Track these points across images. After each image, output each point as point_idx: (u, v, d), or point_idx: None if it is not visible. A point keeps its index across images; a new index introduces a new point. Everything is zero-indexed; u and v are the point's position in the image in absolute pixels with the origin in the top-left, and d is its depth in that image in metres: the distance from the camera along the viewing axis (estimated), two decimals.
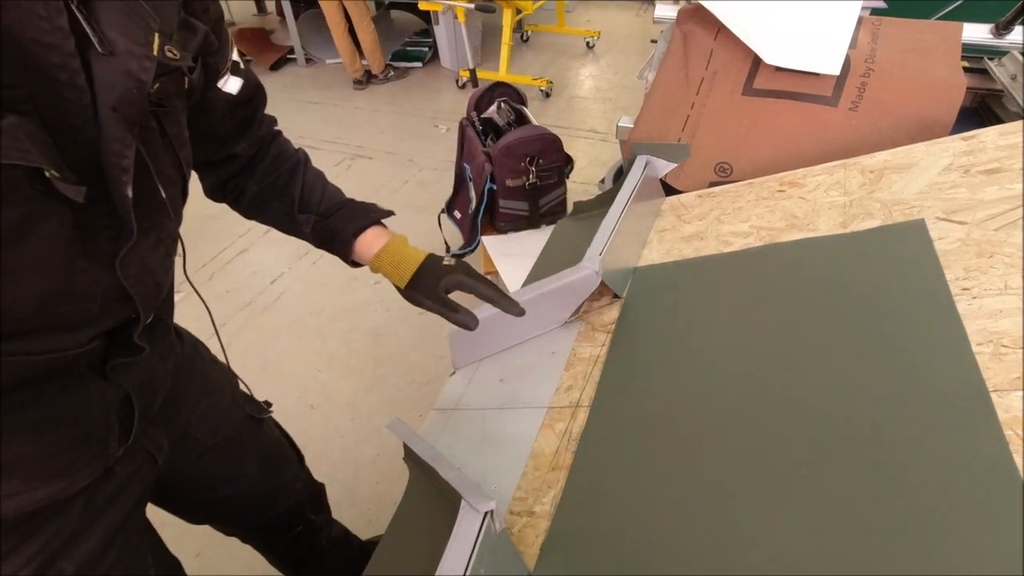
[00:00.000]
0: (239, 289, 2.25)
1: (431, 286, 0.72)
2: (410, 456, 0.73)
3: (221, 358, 0.87)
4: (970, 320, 0.58)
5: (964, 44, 1.15)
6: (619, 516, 0.58)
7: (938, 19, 1.31)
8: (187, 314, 0.84)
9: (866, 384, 0.58)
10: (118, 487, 0.64)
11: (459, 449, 0.76)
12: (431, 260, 0.75)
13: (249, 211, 0.80)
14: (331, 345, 1.97)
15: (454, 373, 0.91)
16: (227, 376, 0.88)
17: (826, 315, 0.68)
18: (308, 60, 4.19)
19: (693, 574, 0.50)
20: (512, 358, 0.87)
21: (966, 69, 1.22)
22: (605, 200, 1.06)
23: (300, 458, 1.05)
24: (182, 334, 0.79)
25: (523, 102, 1.82)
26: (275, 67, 4.11)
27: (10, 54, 0.39)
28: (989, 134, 0.83)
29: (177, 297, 0.72)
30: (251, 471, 0.91)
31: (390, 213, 0.80)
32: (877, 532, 0.47)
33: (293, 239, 0.82)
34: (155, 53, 0.46)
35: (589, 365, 0.78)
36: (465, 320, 0.71)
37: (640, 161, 1.06)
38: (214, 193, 0.78)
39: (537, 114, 1.82)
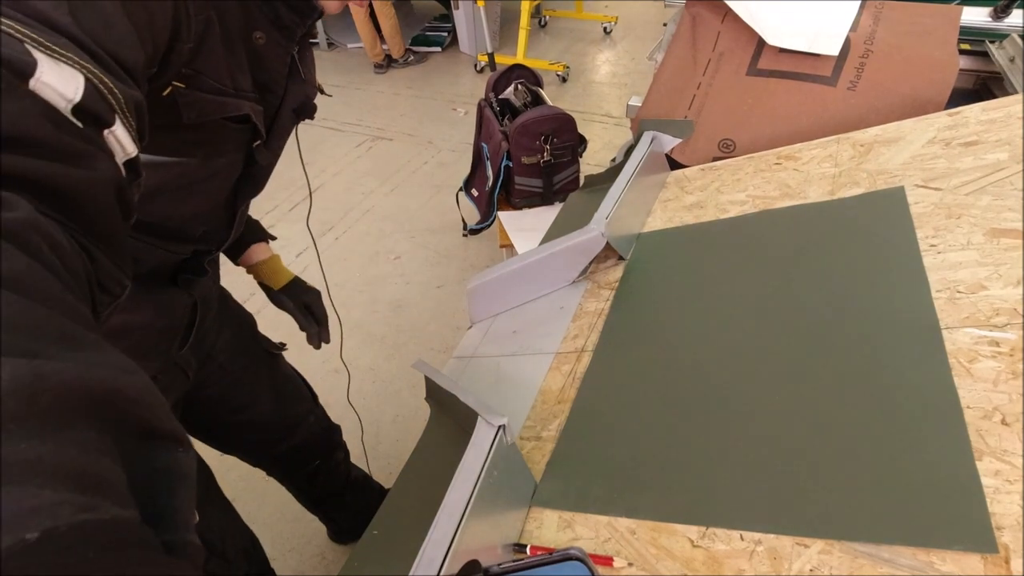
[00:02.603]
0: None
1: (295, 295, 1.02)
2: (431, 393, 0.82)
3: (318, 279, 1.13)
4: (933, 271, 0.66)
5: (965, 27, 1.20)
6: (613, 439, 0.67)
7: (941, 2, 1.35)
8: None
9: (840, 325, 0.66)
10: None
11: (476, 389, 0.84)
12: (298, 279, 1.06)
13: None
14: (354, 315, 2.07)
15: (471, 327, 1.00)
16: (248, 316, 1.07)
17: (809, 270, 0.75)
18: (330, 44, 4.28)
19: (673, 483, 0.59)
20: (524, 313, 0.96)
21: (968, 52, 1.26)
22: (613, 173, 1.13)
23: (313, 396, 1.19)
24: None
25: (539, 84, 1.89)
26: None
27: (261, 78, 0.64)
28: (973, 110, 0.89)
29: None
30: (266, 399, 1.07)
31: (274, 237, 1.07)
32: (843, 437, 0.54)
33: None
34: (316, 83, 0.78)
35: (594, 317, 0.86)
36: (309, 328, 1.02)
37: (647, 136, 1.13)
38: None
39: (553, 98, 1.88)
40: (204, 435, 1.05)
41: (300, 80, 0.71)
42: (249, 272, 1.03)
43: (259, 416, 1.07)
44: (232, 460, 1.23)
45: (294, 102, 0.71)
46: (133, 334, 0.70)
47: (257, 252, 1.01)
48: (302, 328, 1.03)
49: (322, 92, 0.80)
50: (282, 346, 1.13)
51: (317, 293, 1.05)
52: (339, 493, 1.34)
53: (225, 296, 1.01)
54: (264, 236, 1.03)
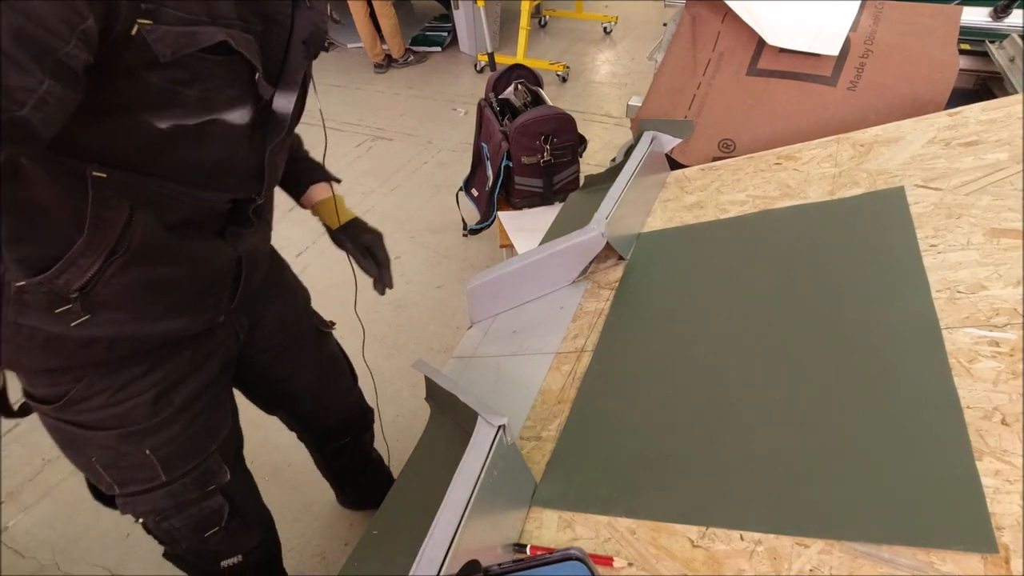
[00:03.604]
0: None
1: (355, 236, 1.00)
2: (431, 393, 0.82)
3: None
4: (933, 271, 0.66)
5: (965, 27, 1.19)
6: (613, 439, 0.67)
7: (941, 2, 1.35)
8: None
9: (840, 325, 0.66)
10: (213, 349, 0.86)
11: (476, 388, 0.84)
12: (359, 219, 1.04)
13: None
14: (354, 314, 2.07)
15: (471, 327, 1.00)
16: (302, 289, 1.10)
17: (808, 269, 0.75)
18: (330, 44, 4.27)
19: (672, 483, 0.59)
20: (524, 313, 0.96)
21: (968, 52, 1.26)
22: (613, 173, 1.13)
23: (354, 376, 1.22)
24: (272, 249, 1.01)
25: (539, 84, 1.89)
26: None
27: (262, 8, 0.62)
28: (972, 110, 0.89)
29: None
30: (309, 374, 1.10)
31: (338, 180, 1.05)
32: (843, 437, 0.54)
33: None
34: (326, 11, 0.72)
35: (594, 317, 0.86)
36: (368, 267, 1.00)
37: (647, 136, 1.14)
38: None
39: (553, 98, 1.88)
40: (251, 396, 1.10)
41: (306, 7, 0.67)
42: (314, 214, 1.04)
43: (300, 390, 1.10)
44: None
45: (303, 33, 0.68)
46: (176, 288, 0.72)
47: (317, 192, 1.02)
48: (363, 269, 1.01)
49: (334, 20, 0.78)
50: (332, 324, 1.15)
51: (378, 235, 1.03)
52: (358, 470, 1.40)
53: (283, 267, 1.04)
54: (325, 177, 1.03)
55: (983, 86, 1.31)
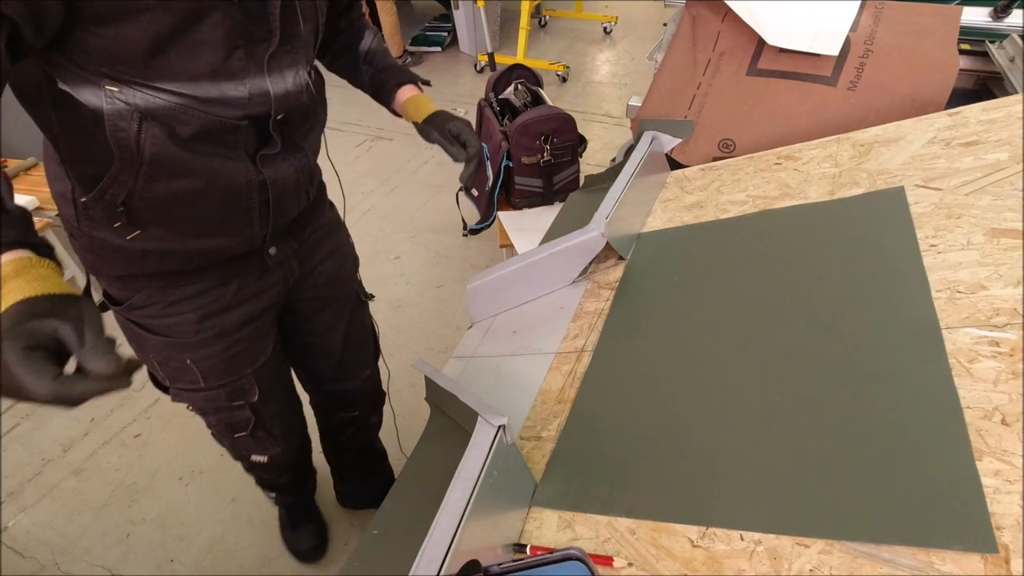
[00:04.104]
0: None
1: (440, 124, 1.01)
2: (431, 392, 0.82)
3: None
4: (933, 271, 0.66)
5: (965, 27, 1.19)
6: (613, 439, 0.67)
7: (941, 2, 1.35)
8: None
9: (840, 325, 0.66)
10: (261, 288, 0.94)
11: (476, 388, 0.84)
12: (444, 111, 1.04)
13: (329, 62, 1.09)
14: None
15: (471, 327, 1.00)
16: (354, 256, 1.16)
17: (808, 269, 0.75)
18: None
19: (673, 483, 0.59)
20: (524, 313, 0.96)
21: (968, 52, 1.26)
22: (613, 173, 1.13)
23: (378, 352, 1.30)
24: (334, 207, 1.11)
25: (539, 84, 1.88)
26: None
27: None
28: (972, 110, 0.89)
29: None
30: (339, 336, 1.17)
31: (428, 82, 1.10)
32: (843, 437, 0.54)
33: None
34: None
35: (594, 317, 0.86)
36: (456, 153, 1.00)
37: (647, 137, 1.14)
38: None
39: (553, 98, 1.87)
40: (284, 343, 1.15)
41: None
42: (403, 114, 1.07)
43: (327, 347, 1.17)
44: (233, 461, 1.24)
45: None
46: (200, 202, 0.76)
47: (403, 93, 1.06)
48: (452, 157, 1.01)
49: None
50: (371, 296, 1.23)
51: (466, 122, 1.02)
52: (361, 452, 1.44)
53: (345, 233, 1.13)
54: (412, 79, 1.07)
55: (983, 86, 1.31)
